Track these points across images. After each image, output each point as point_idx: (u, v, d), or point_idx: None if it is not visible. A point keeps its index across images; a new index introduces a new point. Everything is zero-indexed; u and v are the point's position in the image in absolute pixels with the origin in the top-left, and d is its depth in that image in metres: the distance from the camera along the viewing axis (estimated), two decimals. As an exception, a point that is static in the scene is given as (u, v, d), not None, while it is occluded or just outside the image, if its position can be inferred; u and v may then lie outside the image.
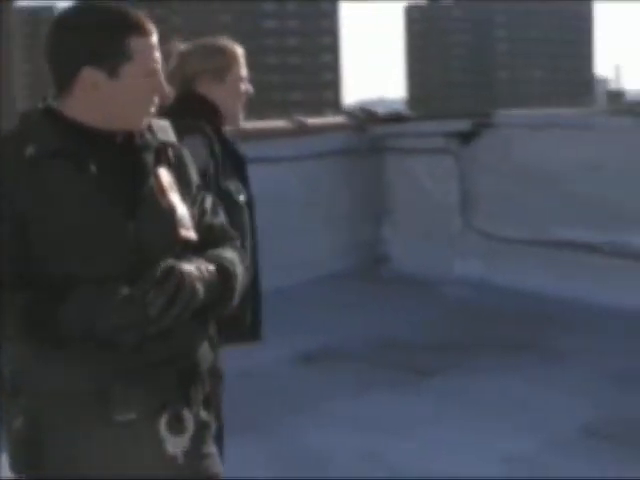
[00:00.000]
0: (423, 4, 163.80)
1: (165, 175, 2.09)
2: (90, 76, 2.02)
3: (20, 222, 1.97)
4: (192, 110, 3.14)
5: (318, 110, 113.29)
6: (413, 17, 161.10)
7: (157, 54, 2.08)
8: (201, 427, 2.09)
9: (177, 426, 2.03)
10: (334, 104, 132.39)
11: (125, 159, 2.07)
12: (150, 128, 2.13)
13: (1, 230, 1.96)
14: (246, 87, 3.29)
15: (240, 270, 2.11)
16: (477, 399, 5.11)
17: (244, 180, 3.20)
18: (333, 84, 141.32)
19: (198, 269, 1.98)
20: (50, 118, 2.06)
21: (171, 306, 1.91)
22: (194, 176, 2.21)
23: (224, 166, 3.11)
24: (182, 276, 1.92)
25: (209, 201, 2.21)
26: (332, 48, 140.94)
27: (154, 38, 2.08)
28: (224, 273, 2.06)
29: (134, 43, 2.03)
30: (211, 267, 2.03)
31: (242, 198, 3.12)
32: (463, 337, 6.25)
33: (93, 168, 2.02)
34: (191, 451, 2.06)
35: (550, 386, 5.30)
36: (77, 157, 2.02)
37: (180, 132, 2.67)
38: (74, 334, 1.91)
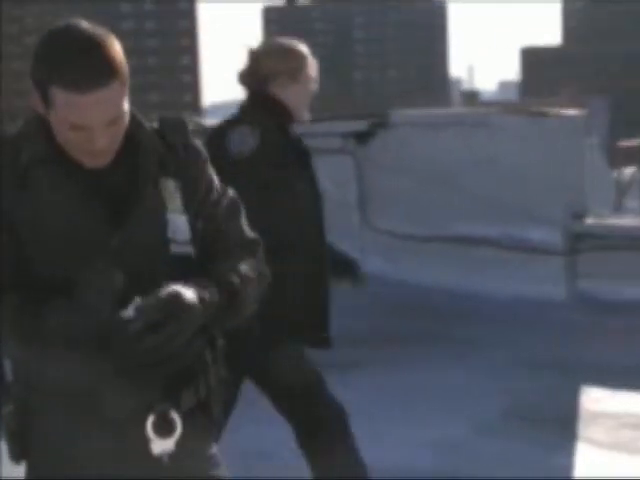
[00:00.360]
0: (280, 5, 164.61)
1: (166, 185, 2.05)
2: (34, 96, 1.98)
3: (12, 227, 1.96)
4: (262, 108, 3.32)
5: (177, 112, 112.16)
6: (270, 18, 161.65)
7: (88, 111, 1.91)
8: (199, 429, 2.08)
9: (164, 427, 2.02)
10: (193, 106, 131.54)
11: (118, 168, 2.02)
12: (159, 131, 2.08)
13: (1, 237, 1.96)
14: (314, 86, 3.45)
15: (252, 279, 2.07)
16: (401, 390, 5.30)
17: (310, 173, 3.35)
18: (192, 86, 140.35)
19: (198, 296, 1.93)
20: (44, 126, 2.02)
21: (164, 336, 1.89)
22: (205, 178, 2.13)
23: (286, 159, 3.25)
24: (183, 306, 1.89)
25: (225, 203, 2.14)
26: (191, 49, 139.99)
27: (91, 94, 1.90)
28: (229, 291, 2.01)
29: (55, 93, 1.92)
30: (211, 291, 1.98)
31: (301, 188, 3.28)
32: (377, 331, 6.44)
33: (82, 175, 2.00)
34: (182, 453, 2.04)
35: (468, 374, 5.54)
36: (67, 164, 1.99)
37: (234, 123, 3.26)
38: (57, 341, 1.90)
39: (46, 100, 1.94)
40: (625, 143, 50.70)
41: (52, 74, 1.90)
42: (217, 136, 3.30)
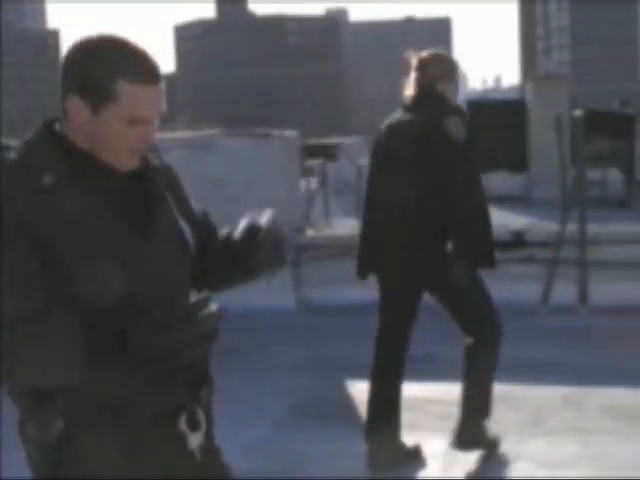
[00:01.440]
0: None
1: (171, 198, 2.21)
2: (76, 104, 2.04)
3: (44, 248, 1.98)
4: (435, 104, 4.37)
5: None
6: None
7: (151, 103, 2.04)
8: (209, 424, 2.26)
9: (193, 423, 2.18)
10: None
11: (134, 182, 2.12)
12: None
13: (31, 260, 1.98)
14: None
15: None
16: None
17: None
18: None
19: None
20: (57, 143, 2.07)
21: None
22: (185, 191, 2.33)
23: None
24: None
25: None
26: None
27: (152, 87, 2.03)
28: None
29: (122, 87, 2.01)
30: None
31: None
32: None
33: (106, 192, 2.07)
34: (205, 446, 2.23)
35: (259, 379, 5.92)
36: (91, 181, 2.05)
37: (443, 115, 4.28)
38: (142, 353, 1.99)
39: (102, 100, 2.01)
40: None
41: (117, 70, 2.01)
42: (432, 125, 4.29)
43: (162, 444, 2.15)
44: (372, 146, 4.69)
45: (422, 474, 4.58)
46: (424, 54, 4.45)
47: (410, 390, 5.74)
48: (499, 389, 5.71)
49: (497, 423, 5.15)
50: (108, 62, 2.02)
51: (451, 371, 5.03)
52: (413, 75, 4.40)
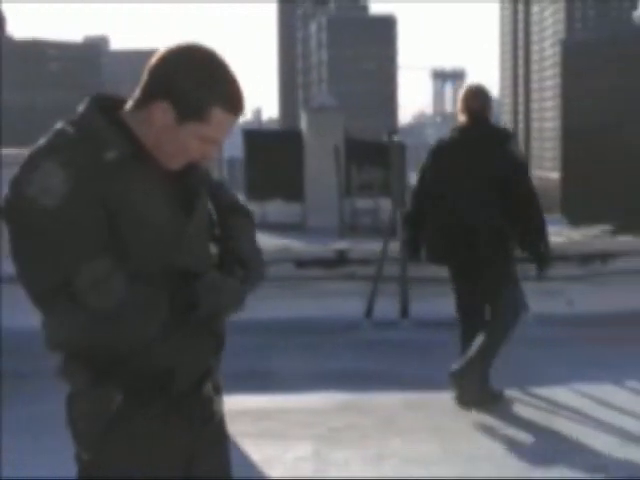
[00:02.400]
0: None
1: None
2: (164, 108, 2.15)
3: (112, 221, 2.09)
4: (488, 127, 5.80)
5: None
6: None
7: (229, 129, 2.22)
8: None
9: (216, 388, 2.35)
10: None
11: (177, 174, 2.26)
12: None
13: (102, 229, 2.09)
14: None
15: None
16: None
17: None
18: None
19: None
20: (116, 123, 2.18)
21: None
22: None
23: None
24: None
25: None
26: None
27: (236, 117, 2.21)
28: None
29: (214, 112, 2.16)
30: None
31: None
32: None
33: (159, 174, 2.20)
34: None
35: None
36: (147, 164, 2.18)
37: (506, 137, 5.78)
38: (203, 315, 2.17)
39: (192, 117, 2.14)
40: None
41: (216, 97, 2.15)
42: (499, 144, 5.64)
43: (193, 409, 2.28)
44: (432, 156, 5.86)
45: (295, 476, 4.72)
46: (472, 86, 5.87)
47: (266, 401, 5.92)
48: (344, 398, 6.01)
49: (353, 428, 5.40)
50: (209, 86, 2.15)
51: (297, 383, 5.22)
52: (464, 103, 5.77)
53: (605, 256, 8.15)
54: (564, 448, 5.02)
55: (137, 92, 2.22)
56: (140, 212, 2.14)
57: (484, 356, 5.66)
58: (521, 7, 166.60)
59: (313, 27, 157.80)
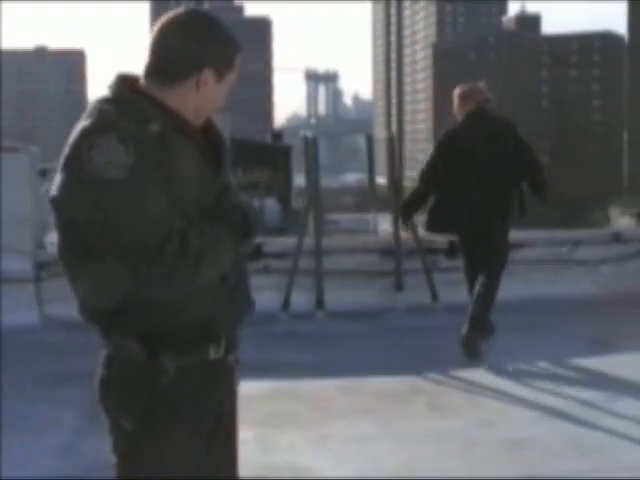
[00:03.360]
0: None
1: None
2: (207, 75, 2.38)
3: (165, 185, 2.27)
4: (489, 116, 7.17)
5: None
6: None
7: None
8: None
9: (237, 359, 2.53)
10: None
11: (207, 142, 2.45)
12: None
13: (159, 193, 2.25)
14: None
15: None
16: None
17: None
18: None
19: None
20: (149, 99, 2.35)
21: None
22: None
23: None
24: None
25: None
26: None
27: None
28: None
29: (237, 59, 2.47)
30: None
31: None
32: None
33: (193, 139, 2.38)
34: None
35: (38, 391, 5.87)
36: (184, 131, 2.36)
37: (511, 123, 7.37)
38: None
39: (228, 69, 2.43)
40: None
41: (236, 45, 2.47)
42: (505, 127, 7.23)
43: (226, 379, 2.47)
44: (447, 140, 7.09)
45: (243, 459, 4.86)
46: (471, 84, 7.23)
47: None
48: (275, 385, 6.18)
49: (290, 413, 5.58)
50: (228, 39, 2.45)
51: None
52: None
53: (514, 246, 8.53)
54: (490, 423, 5.32)
55: (162, 71, 2.37)
56: (185, 175, 2.31)
57: (488, 307, 6.97)
58: (393, 11, 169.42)
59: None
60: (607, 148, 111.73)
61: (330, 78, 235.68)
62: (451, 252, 8.47)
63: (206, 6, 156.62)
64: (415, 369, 6.55)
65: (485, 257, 6.99)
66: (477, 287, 6.96)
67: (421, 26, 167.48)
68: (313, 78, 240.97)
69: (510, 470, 4.61)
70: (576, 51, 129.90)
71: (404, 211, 7.54)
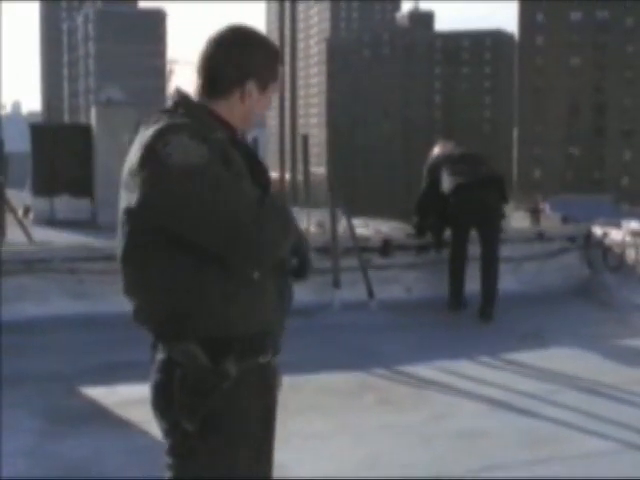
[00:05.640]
0: None
1: None
2: (251, 87, 2.55)
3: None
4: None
5: None
6: None
7: None
8: None
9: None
10: None
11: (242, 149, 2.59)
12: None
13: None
14: None
15: None
16: None
17: None
18: None
19: None
20: (211, 114, 2.53)
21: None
22: None
23: None
24: None
25: None
26: None
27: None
28: None
29: (279, 70, 2.64)
30: None
31: None
32: None
33: (240, 147, 2.55)
34: None
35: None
36: (236, 140, 2.54)
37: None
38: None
39: (271, 80, 2.59)
40: None
41: (276, 58, 2.63)
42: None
43: (274, 381, 2.63)
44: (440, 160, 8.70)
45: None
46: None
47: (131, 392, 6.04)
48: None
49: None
50: (270, 51, 2.60)
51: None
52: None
53: (438, 245, 8.82)
54: (441, 417, 5.55)
55: (213, 84, 2.54)
56: (242, 178, 2.46)
57: (496, 288, 8.31)
58: (287, 5, 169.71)
59: (80, 19, 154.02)
60: (497, 144, 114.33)
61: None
62: (385, 250, 8.72)
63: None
64: (356, 365, 6.73)
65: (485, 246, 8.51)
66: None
67: (315, 21, 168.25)
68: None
69: (469, 461, 4.83)
70: (468, 48, 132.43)
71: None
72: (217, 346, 2.44)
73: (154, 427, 5.11)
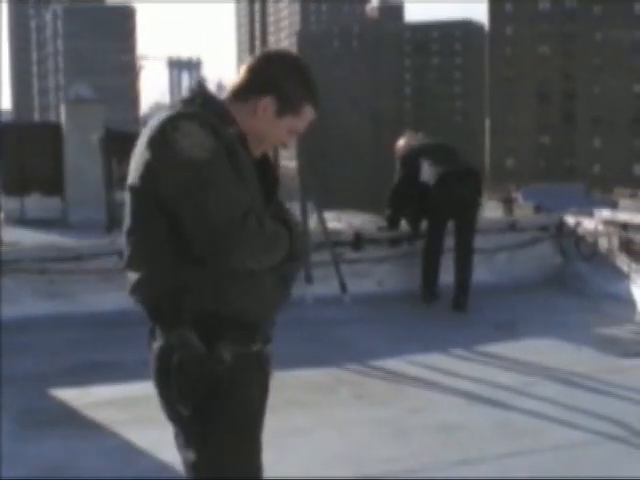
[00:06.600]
0: None
1: None
2: (269, 102, 2.59)
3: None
4: None
5: None
6: None
7: (310, 123, 2.70)
8: None
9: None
10: None
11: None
12: None
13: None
14: None
15: None
16: None
17: None
18: None
19: None
20: (226, 110, 2.59)
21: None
22: None
23: None
24: None
25: None
26: None
27: (316, 113, 2.69)
28: None
29: (306, 109, 2.65)
30: None
31: None
32: None
33: (251, 156, 2.59)
34: None
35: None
36: (246, 144, 2.57)
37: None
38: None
39: (290, 111, 2.61)
40: None
41: (309, 95, 2.64)
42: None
43: (267, 368, 2.72)
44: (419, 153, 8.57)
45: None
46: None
47: (124, 390, 6.02)
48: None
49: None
50: (306, 87, 2.64)
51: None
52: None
53: (410, 238, 8.80)
54: (417, 410, 5.53)
55: (238, 86, 2.62)
56: (250, 181, 2.53)
57: (470, 279, 8.37)
58: (257, 4, 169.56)
59: (48, 16, 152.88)
60: (468, 135, 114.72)
61: (193, 65, 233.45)
62: (356, 244, 8.69)
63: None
64: (330, 360, 6.70)
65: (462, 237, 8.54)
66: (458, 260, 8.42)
67: (285, 14, 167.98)
68: (176, 65, 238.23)
69: (448, 454, 4.82)
70: (437, 39, 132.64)
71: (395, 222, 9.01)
72: (211, 330, 2.49)
73: (126, 428, 5.17)
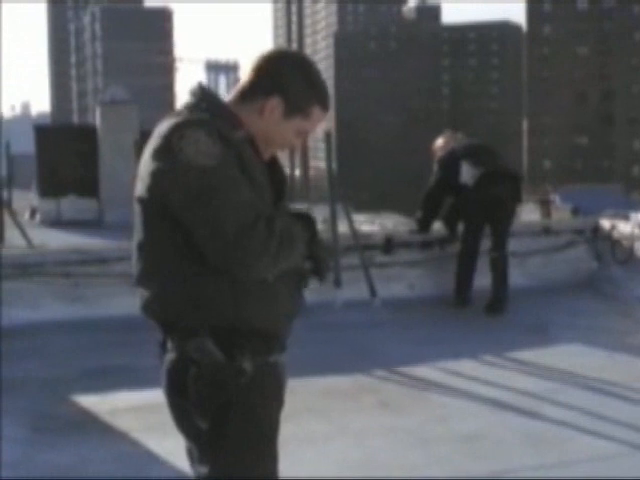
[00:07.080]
0: None
1: None
2: (276, 103, 2.50)
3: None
4: None
5: None
6: None
7: (320, 124, 2.63)
8: None
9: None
10: None
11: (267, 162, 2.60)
12: None
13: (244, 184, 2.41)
14: None
15: None
16: None
17: None
18: None
19: None
20: (232, 113, 2.51)
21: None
22: None
23: None
24: None
25: None
26: None
27: (326, 115, 2.62)
28: None
29: (315, 110, 2.56)
30: None
31: None
32: None
33: (260, 157, 2.53)
34: None
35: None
36: (255, 145, 2.50)
37: None
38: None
39: (298, 112, 2.53)
40: None
41: (318, 97, 2.56)
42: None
43: (283, 378, 2.62)
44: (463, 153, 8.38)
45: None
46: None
47: (141, 397, 5.92)
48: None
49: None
50: (315, 88, 2.55)
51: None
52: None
53: (442, 242, 8.65)
54: (442, 419, 5.38)
55: (244, 87, 2.54)
56: (261, 182, 2.47)
57: (506, 279, 8.25)
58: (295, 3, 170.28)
59: (87, 19, 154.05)
60: (505, 136, 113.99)
61: (231, 68, 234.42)
62: (387, 247, 8.55)
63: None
64: (357, 366, 6.57)
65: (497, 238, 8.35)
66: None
67: (322, 15, 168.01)
68: (214, 68, 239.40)
69: (470, 465, 4.67)
70: (474, 40, 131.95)
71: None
72: (230, 342, 2.43)
73: (143, 435, 5.07)
